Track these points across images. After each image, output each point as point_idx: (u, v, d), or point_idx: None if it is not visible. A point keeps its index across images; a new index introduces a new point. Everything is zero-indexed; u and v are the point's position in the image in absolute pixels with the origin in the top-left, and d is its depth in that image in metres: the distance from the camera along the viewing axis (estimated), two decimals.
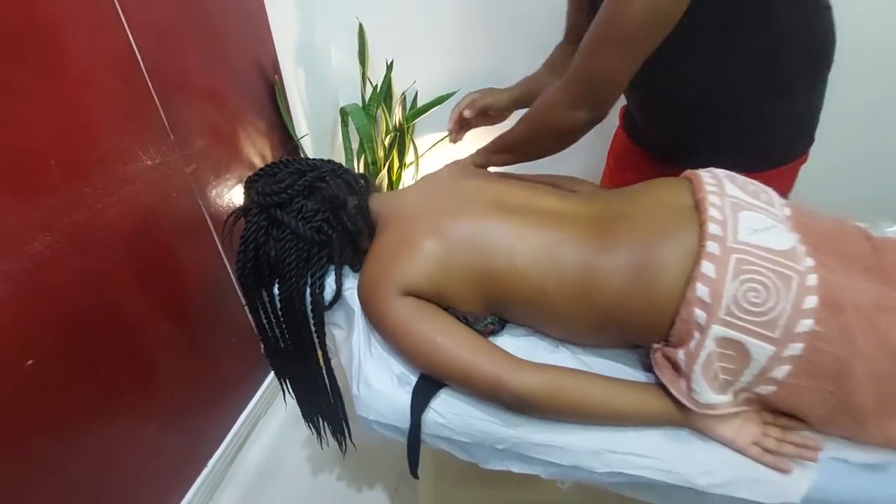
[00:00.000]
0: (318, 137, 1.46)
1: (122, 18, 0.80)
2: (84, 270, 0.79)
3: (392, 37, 1.39)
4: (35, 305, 0.72)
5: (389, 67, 1.38)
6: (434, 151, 1.51)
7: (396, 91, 1.46)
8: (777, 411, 0.59)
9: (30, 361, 0.71)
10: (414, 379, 0.65)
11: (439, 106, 1.39)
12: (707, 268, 0.56)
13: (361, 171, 1.43)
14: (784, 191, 0.97)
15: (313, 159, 0.83)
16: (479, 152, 0.88)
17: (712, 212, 0.60)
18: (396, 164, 1.47)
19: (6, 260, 0.67)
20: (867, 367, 0.53)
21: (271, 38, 1.19)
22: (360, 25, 1.36)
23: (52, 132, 0.72)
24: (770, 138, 0.92)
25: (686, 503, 0.59)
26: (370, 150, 1.39)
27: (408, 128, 1.39)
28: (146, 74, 0.86)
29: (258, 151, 1.19)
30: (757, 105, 0.87)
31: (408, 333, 0.64)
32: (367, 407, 0.66)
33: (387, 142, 1.38)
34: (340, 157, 1.50)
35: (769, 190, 0.70)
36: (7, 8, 0.63)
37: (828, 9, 0.81)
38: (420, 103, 1.45)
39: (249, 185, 0.79)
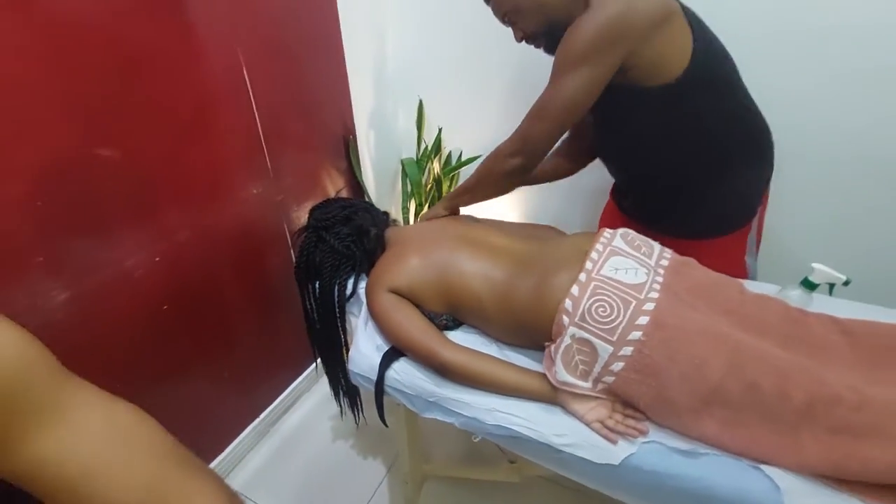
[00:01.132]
0: (381, 183, 1.88)
1: (252, 100, 1.26)
2: (205, 257, 1.23)
3: (444, 109, 1.78)
4: (174, 274, 1.15)
5: (439, 132, 1.78)
6: None
7: (445, 150, 1.84)
8: (627, 404, 0.81)
9: (165, 306, 1.15)
10: (386, 348, 0.97)
11: (469, 165, 1.74)
12: (574, 289, 0.82)
13: (413, 211, 1.80)
14: (737, 255, 1.17)
15: (354, 199, 1.22)
16: (445, 198, 1.19)
17: (592, 255, 0.87)
18: None
19: (163, 243, 1.12)
20: (679, 370, 0.75)
21: (350, 108, 1.64)
22: (420, 101, 1.78)
23: (201, 169, 1.17)
24: (713, 211, 1.14)
25: (546, 458, 0.83)
26: (418, 194, 1.77)
27: (445, 179, 1.75)
28: (261, 134, 1.31)
29: (332, 189, 1.62)
30: (699, 184, 1.11)
31: (385, 317, 0.96)
32: (355, 363, 0.99)
33: (427, 189, 1.75)
34: (398, 199, 1.90)
35: (655, 246, 0.94)
36: (183, 97, 1.10)
37: (750, 108, 1.05)
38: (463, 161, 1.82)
39: (310, 213, 1.19)
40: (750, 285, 1.00)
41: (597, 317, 0.80)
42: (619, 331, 0.79)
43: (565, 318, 0.82)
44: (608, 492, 0.83)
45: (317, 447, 1.52)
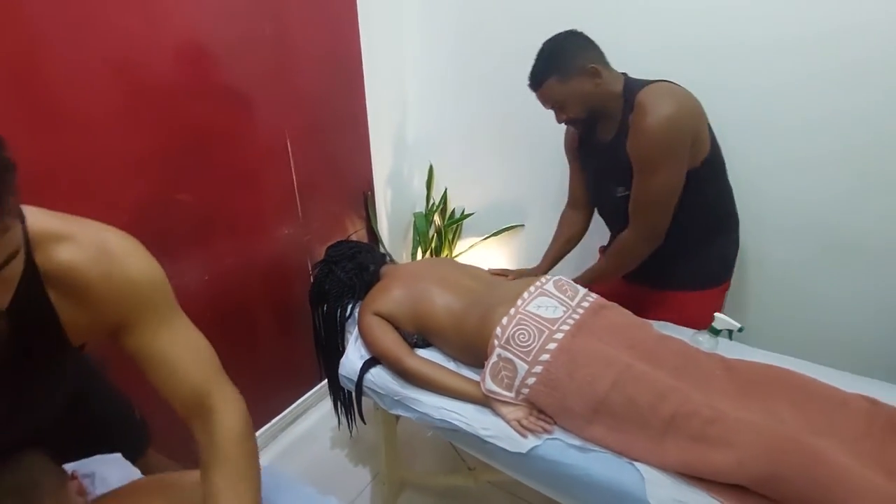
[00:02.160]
0: (395, 232, 2.21)
1: (291, 161, 1.63)
2: (242, 280, 1.55)
3: (450, 173, 2.12)
4: (217, 290, 1.48)
5: (445, 191, 2.11)
6: (470, 251, 2.14)
7: (450, 206, 2.16)
8: (539, 410, 1.04)
9: (207, 314, 1.47)
10: (367, 357, 1.24)
11: (467, 220, 2.05)
12: (504, 320, 1.08)
13: (421, 257, 2.11)
14: (716, 306, 1.34)
15: (361, 242, 1.53)
16: (582, 278, 1.37)
17: (524, 295, 1.13)
18: (445, 253, 2.14)
19: (212, 266, 1.45)
20: (576, 385, 0.98)
21: (371, 168, 2.00)
22: (431, 165, 2.13)
23: (247, 212, 1.52)
24: (703, 269, 1.36)
25: (476, 447, 1.06)
26: (424, 243, 2.08)
27: (446, 231, 2.06)
28: (295, 187, 1.67)
29: (348, 233, 1.95)
30: (697, 245, 1.33)
31: (368, 332, 1.23)
32: (343, 368, 1.26)
33: (430, 239, 2.06)
34: (409, 246, 2.22)
35: (580, 290, 1.19)
36: (239, 158, 1.47)
37: (730, 186, 1.30)
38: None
39: (326, 250, 1.51)
40: (668, 328, 1.22)
41: (518, 341, 1.05)
42: (532, 353, 1.03)
43: (495, 342, 1.07)
44: (520, 477, 1.04)
45: (314, 454, 1.75)
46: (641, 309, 1.27)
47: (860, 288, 1.40)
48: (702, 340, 1.19)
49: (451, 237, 2.11)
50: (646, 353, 1.06)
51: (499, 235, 2.08)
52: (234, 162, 1.46)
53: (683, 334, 1.21)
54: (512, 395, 1.05)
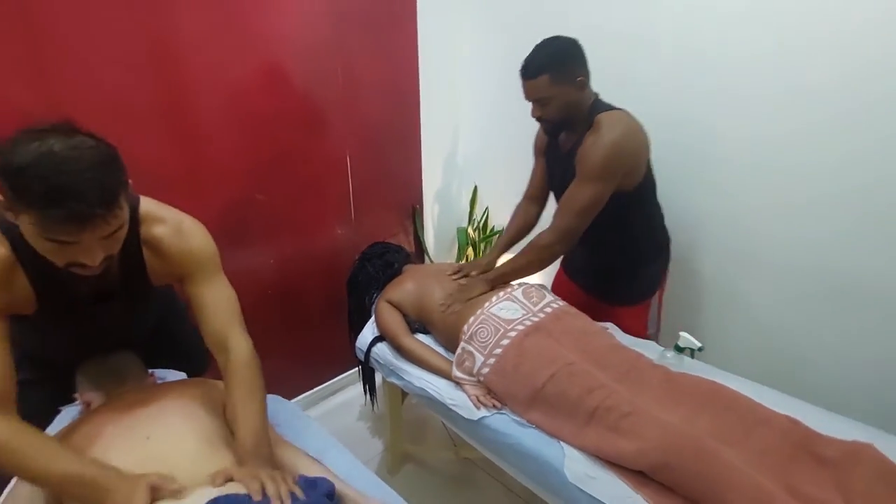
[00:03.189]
0: (441, 244, 2.48)
1: (349, 174, 1.99)
2: (300, 266, 1.92)
3: (493, 193, 2.36)
4: (279, 272, 1.86)
5: (486, 210, 2.35)
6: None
7: (490, 224, 2.39)
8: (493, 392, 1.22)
9: (269, 291, 1.85)
10: (376, 335, 1.51)
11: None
12: (471, 319, 1.29)
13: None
14: (644, 320, 1.51)
15: (391, 243, 1.82)
16: (488, 279, 1.48)
17: (493, 299, 1.33)
18: None
19: (277, 252, 1.84)
20: (520, 376, 1.16)
21: (420, 185, 2.30)
22: (476, 186, 2.38)
23: (310, 212, 1.90)
24: (639, 287, 1.51)
25: (443, 413, 1.27)
26: (465, 256, 2.33)
27: (481, 246, 2.29)
28: (351, 196, 2.02)
29: (392, 239, 2.26)
30: (627, 267, 1.49)
31: (378, 314, 1.51)
32: (359, 341, 1.55)
33: (468, 251, 2.31)
34: (454, 258, 2.48)
35: (546, 297, 1.36)
36: (307, 169, 1.85)
37: (660, 217, 1.47)
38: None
39: (365, 249, 1.82)
40: (638, 344, 1.34)
41: (479, 337, 1.26)
42: (488, 347, 1.23)
43: (462, 336, 1.29)
44: (472, 441, 1.23)
45: (343, 422, 2.05)
46: (594, 317, 1.42)
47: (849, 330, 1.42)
48: (669, 357, 1.28)
49: (483, 249, 2.33)
50: (595, 356, 1.20)
51: None
52: (302, 172, 1.84)
53: (650, 349, 1.32)
54: (473, 378, 1.25)
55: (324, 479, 0.80)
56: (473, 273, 1.53)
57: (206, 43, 1.49)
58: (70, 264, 0.76)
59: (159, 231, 0.94)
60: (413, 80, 2.13)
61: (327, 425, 1.99)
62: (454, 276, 1.55)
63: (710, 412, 1.04)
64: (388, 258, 1.73)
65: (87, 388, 1.06)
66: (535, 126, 1.48)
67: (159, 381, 1.14)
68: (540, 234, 1.43)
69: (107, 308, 0.96)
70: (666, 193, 1.49)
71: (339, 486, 0.84)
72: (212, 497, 0.70)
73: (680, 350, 1.27)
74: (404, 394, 1.69)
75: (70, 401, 1.10)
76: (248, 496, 0.70)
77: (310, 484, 0.77)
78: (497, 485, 1.69)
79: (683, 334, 1.26)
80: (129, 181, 0.80)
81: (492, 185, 2.37)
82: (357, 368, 2.27)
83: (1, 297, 0.81)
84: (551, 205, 1.60)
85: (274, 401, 1.15)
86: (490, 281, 1.47)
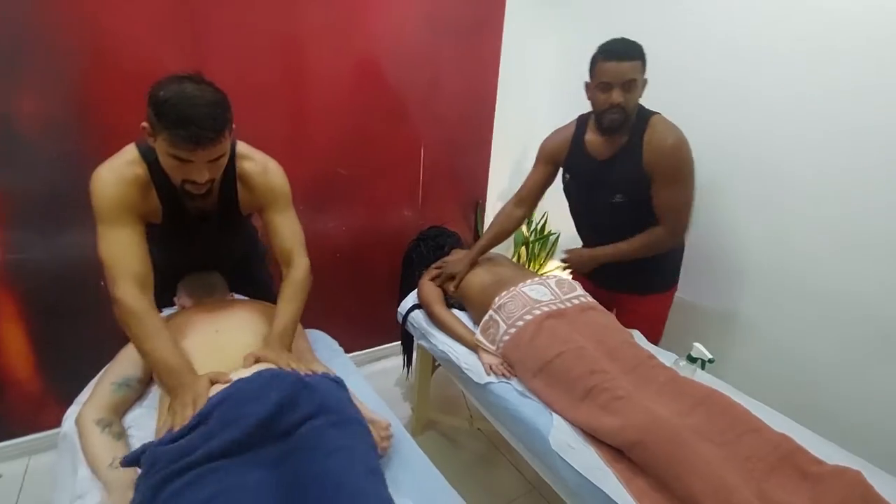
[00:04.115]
0: None
1: (422, 164, 2.21)
2: (367, 237, 2.17)
3: (552, 200, 2.45)
4: (348, 239, 2.12)
5: (545, 215, 2.45)
6: (555, 271, 2.43)
7: (548, 228, 2.49)
8: (508, 363, 1.35)
9: (337, 255, 2.12)
10: (415, 303, 1.70)
11: (558, 243, 2.34)
12: (503, 292, 1.43)
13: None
14: (664, 312, 1.63)
15: (445, 228, 2.00)
16: (597, 258, 1.61)
17: (528, 281, 1.45)
18: (534, 266, 2.48)
19: (349, 222, 2.10)
20: (532, 349, 1.28)
21: (486, 182, 2.47)
22: None
23: (384, 191, 2.15)
24: (664, 274, 1.63)
25: (457, 375, 1.42)
26: (518, 253, 2.46)
27: (532, 246, 2.40)
28: (421, 183, 2.24)
29: (458, 229, 2.44)
30: (659, 257, 1.56)
31: (420, 286, 1.70)
32: (401, 306, 1.75)
33: (521, 249, 2.43)
34: (510, 253, 2.61)
35: (577, 289, 1.46)
36: (386, 154, 2.10)
37: None
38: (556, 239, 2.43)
39: (422, 231, 2.02)
40: (655, 351, 1.40)
41: (506, 309, 1.39)
42: (512, 319, 1.36)
43: (492, 306, 1.43)
44: (478, 404, 1.36)
45: (382, 384, 2.26)
46: (619, 312, 1.55)
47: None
48: (682, 366, 1.33)
49: (536, 252, 2.44)
50: (608, 348, 1.29)
51: None
52: (381, 156, 2.09)
53: (665, 357, 1.37)
54: (493, 347, 1.39)
55: (334, 378, 1.01)
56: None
57: (319, 39, 1.79)
58: (185, 181, 1.03)
59: (249, 167, 1.20)
60: (492, 86, 2.30)
61: (355, 388, 2.24)
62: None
63: (704, 413, 1.09)
64: (440, 241, 1.91)
65: (184, 295, 1.36)
66: None
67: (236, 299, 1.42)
68: (652, 231, 1.48)
69: (207, 226, 1.24)
70: (711, 210, 1.53)
71: (356, 398, 1.04)
72: (245, 373, 0.93)
73: (692, 360, 1.31)
74: (434, 366, 1.87)
75: (171, 304, 1.41)
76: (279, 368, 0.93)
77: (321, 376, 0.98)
78: (510, 467, 1.80)
79: (697, 345, 1.30)
80: (234, 124, 1.06)
81: (553, 192, 2.46)
82: (395, 344, 2.49)
83: (140, 205, 1.10)
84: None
85: (316, 335, 1.38)
86: (597, 259, 1.60)
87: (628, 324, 1.53)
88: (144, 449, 0.84)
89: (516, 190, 2.61)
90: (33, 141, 1.46)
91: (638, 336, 1.51)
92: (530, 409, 1.22)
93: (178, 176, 1.03)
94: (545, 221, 2.49)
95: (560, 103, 2.35)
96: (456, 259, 1.73)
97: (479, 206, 2.49)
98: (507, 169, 2.52)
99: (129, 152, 1.10)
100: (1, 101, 1.39)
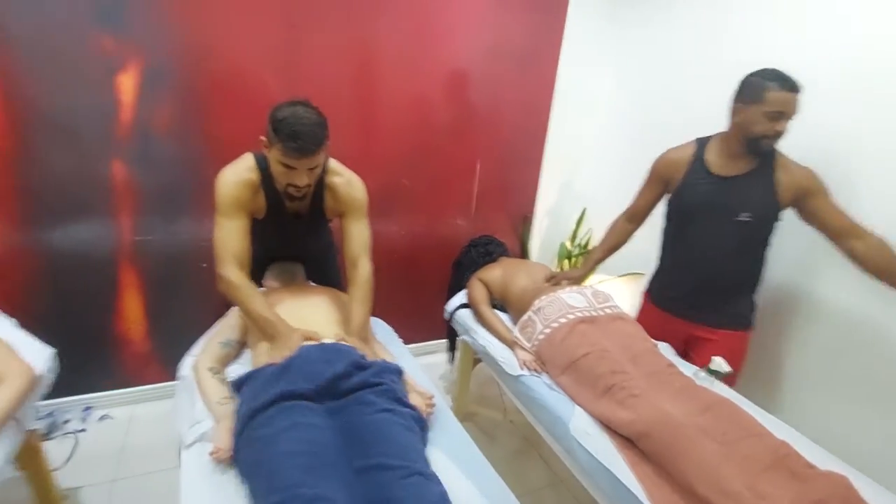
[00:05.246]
0: (545, 252, 2.79)
1: (476, 177, 2.43)
2: (424, 240, 2.42)
3: (598, 219, 2.59)
4: (406, 241, 2.37)
5: (589, 231, 2.59)
6: (599, 285, 2.56)
7: (591, 245, 2.63)
8: (541, 360, 1.52)
9: (395, 255, 2.37)
10: (463, 302, 1.91)
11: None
12: (543, 297, 1.61)
13: None
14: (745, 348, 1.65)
15: (495, 238, 2.20)
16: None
17: (566, 289, 1.62)
18: None
19: (409, 227, 2.35)
20: (562, 348, 1.45)
21: (535, 198, 2.64)
22: (584, 209, 2.64)
23: (440, 201, 2.38)
24: (747, 311, 1.65)
25: (493, 367, 1.61)
26: (561, 266, 2.61)
27: (576, 258, 2.54)
28: (475, 195, 2.46)
29: (505, 239, 2.63)
30: (744, 289, 1.63)
31: (469, 287, 1.91)
32: (449, 304, 1.97)
33: (564, 262, 2.58)
34: (555, 267, 2.77)
35: (610, 300, 1.61)
36: (445, 167, 2.33)
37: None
38: None
39: (474, 238, 2.23)
40: (678, 363, 1.52)
41: (544, 312, 1.57)
42: (548, 320, 1.53)
43: (532, 308, 1.61)
44: (510, 394, 1.54)
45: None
46: (694, 346, 1.62)
47: None
48: (701, 377, 1.45)
49: (573, 263, 2.58)
50: (632, 353, 1.43)
51: (623, 278, 2.44)
52: (440, 169, 2.33)
53: (686, 368, 1.49)
54: (529, 344, 1.57)
55: (396, 365, 1.24)
56: (564, 283, 1.77)
57: (393, 65, 2.06)
58: (289, 184, 1.30)
59: (337, 180, 1.46)
60: (545, 108, 2.49)
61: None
62: (548, 283, 1.81)
63: (712, 416, 1.21)
64: (489, 248, 2.11)
65: (271, 279, 1.64)
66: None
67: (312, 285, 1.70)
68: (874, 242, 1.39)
69: (298, 224, 1.51)
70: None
71: (406, 374, 1.27)
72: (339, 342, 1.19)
73: (711, 372, 1.42)
74: (475, 361, 2.06)
75: (260, 286, 1.70)
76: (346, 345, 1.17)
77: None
78: (538, 460, 1.96)
79: (716, 358, 1.42)
80: (329, 142, 1.32)
81: (599, 212, 2.60)
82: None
83: (250, 203, 1.38)
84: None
85: (376, 321, 1.62)
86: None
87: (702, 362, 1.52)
88: (245, 379, 1.11)
89: (564, 208, 2.78)
90: (163, 145, 1.81)
91: (664, 348, 1.63)
92: (556, 400, 1.39)
93: (283, 180, 1.30)
94: (589, 238, 2.63)
95: (610, 126, 2.51)
96: (573, 270, 1.87)
97: (526, 220, 2.67)
98: (556, 187, 2.69)
99: (248, 160, 1.38)
100: (145, 113, 1.75)
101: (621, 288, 2.46)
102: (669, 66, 2.19)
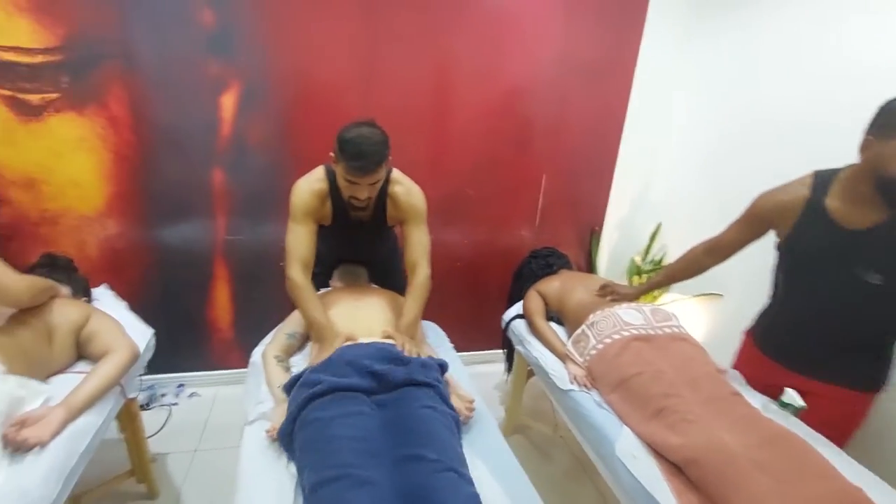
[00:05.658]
0: (613, 267, 2.70)
1: (542, 190, 2.42)
2: (487, 249, 2.45)
3: (675, 234, 2.46)
4: (470, 251, 2.42)
5: (664, 248, 2.47)
6: (671, 304, 2.42)
7: (666, 262, 2.49)
8: (592, 376, 1.49)
9: (458, 263, 2.43)
10: (519, 313, 1.92)
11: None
12: (598, 311, 1.57)
13: None
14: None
15: (556, 249, 2.18)
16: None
17: (623, 305, 1.57)
18: (649, 299, 2.51)
19: (472, 236, 2.40)
20: (614, 366, 1.41)
21: (604, 211, 2.57)
22: (660, 224, 2.52)
23: (505, 212, 2.41)
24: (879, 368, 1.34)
25: (544, 379, 1.59)
26: (630, 281, 2.51)
27: (648, 274, 2.43)
28: (539, 208, 2.45)
29: (571, 253, 2.58)
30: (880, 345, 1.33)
31: (525, 298, 1.91)
32: (506, 314, 1.98)
33: (634, 278, 2.47)
34: (625, 281, 2.66)
35: (671, 320, 1.53)
36: (510, 179, 2.36)
37: None
38: None
39: (535, 249, 2.23)
40: (747, 393, 1.41)
41: (598, 327, 1.53)
42: (601, 335, 1.49)
43: (586, 322, 1.58)
44: (558, 406, 1.52)
45: (484, 385, 2.50)
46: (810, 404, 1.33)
47: None
48: (773, 409, 1.33)
49: (640, 278, 2.46)
50: (690, 377, 1.35)
51: (697, 298, 2.29)
52: (505, 180, 2.36)
53: (755, 398, 1.37)
54: (581, 359, 1.54)
55: (440, 360, 1.28)
56: (611, 297, 1.70)
57: (465, 79, 2.15)
58: (351, 197, 1.41)
59: (398, 189, 1.55)
60: (618, 121, 2.43)
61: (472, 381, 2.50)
62: (599, 293, 1.77)
63: (773, 450, 1.10)
64: (550, 260, 2.10)
65: (336, 279, 1.77)
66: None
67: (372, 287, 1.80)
68: None
69: (362, 230, 1.63)
70: None
71: (450, 375, 1.31)
72: (376, 341, 1.26)
73: (783, 405, 1.30)
74: (530, 373, 2.04)
75: (327, 286, 1.84)
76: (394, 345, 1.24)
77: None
78: (588, 484, 1.89)
79: (789, 390, 1.29)
80: (390, 157, 1.41)
81: (675, 227, 2.47)
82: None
83: (319, 211, 1.51)
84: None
85: (430, 325, 1.68)
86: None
87: (816, 422, 1.30)
88: (295, 380, 1.21)
89: (637, 222, 2.67)
90: (255, 156, 2.03)
91: (733, 376, 1.51)
92: (604, 418, 1.35)
93: (347, 192, 1.42)
94: (664, 255, 2.50)
95: (689, 139, 2.38)
96: (627, 287, 1.75)
97: (594, 234, 2.60)
98: (627, 200, 2.60)
99: (319, 171, 1.52)
100: (241, 128, 1.98)
101: (695, 309, 2.32)
102: (757, 79, 2.04)
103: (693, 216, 2.37)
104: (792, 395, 1.28)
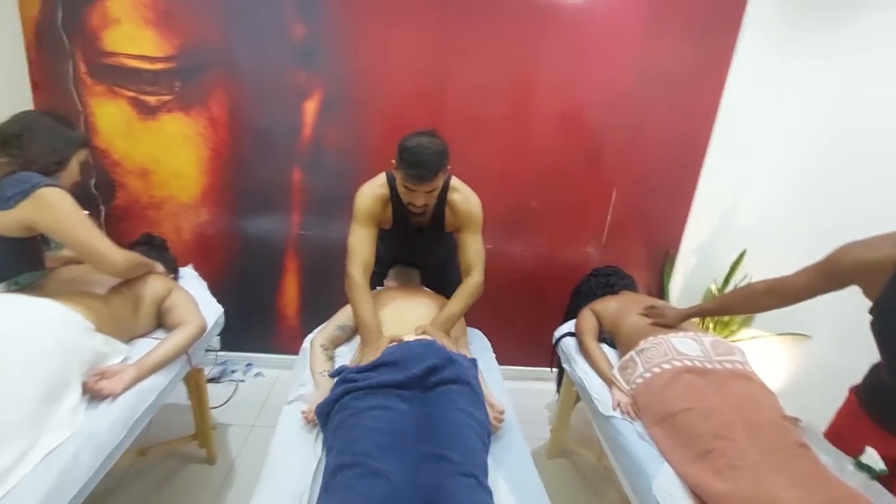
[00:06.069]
0: (688, 292, 2.50)
1: (611, 207, 2.32)
2: (548, 262, 2.40)
3: (760, 263, 2.23)
4: (531, 263, 2.39)
5: (747, 277, 2.25)
6: (749, 341, 2.20)
7: None
8: (636, 405, 1.40)
9: (517, 275, 2.40)
10: (570, 330, 1.85)
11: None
12: (650, 338, 1.47)
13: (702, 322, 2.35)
14: None
15: (619, 269, 2.07)
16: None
17: (679, 333, 1.46)
18: (724, 334, 2.30)
19: (533, 249, 2.36)
20: (661, 398, 1.31)
21: (681, 233, 2.40)
22: (744, 251, 2.30)
23: (570, 227, 2.35)
24: None
25: (588, 403, 1.52)
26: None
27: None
28: (607, 224, 2.35)
29: (640, 276, 2.44)
30: None
31: (579, 316, 1.83)
32: (558, 331, 1.92)
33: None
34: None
35: (733, 354, 1.39)
36: (577, 193, 2.29)
37: None
38: None
39: (598, 267, 2.14)
40: (825, 450, 1.24)
41: (647, 354, 1.44)
42: (650, 363, 1.40)
43: (636, 348, 1.48)
44: (599, 433, 1.44)
45: (532, 402, 2.43)
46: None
47: None
48: (848, 471, 1.16)
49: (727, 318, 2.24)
50: (749, 423, 1.21)
51: (781, 337, 2.06)
52: (572, 193, 2.30)
53: (833, 455, 1.20)
54: (627, 386, 1.45)
55: (474, 360, 1.29)
56: (657, 318, 1.61)
57: (541, 91, 2.14)
58: (409, 203, 1.46)
59: (457, 197, 1.58)
60: (703, 137, 2.26)
61: (516, 398, 2.44)
62: (644, 311, 1.68)
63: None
64: (611, 280, 2.00)
65: (391, 279, 1.84)
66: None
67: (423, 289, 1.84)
68: None
69: (420, 235, 1.68)
70: None
71: (483, 383, 1.31)
72: (413, 339, 1.28)
73: (859, 466, 1.12)
74: (578, 397, 1.96)
75: (382, 285, 1.91)
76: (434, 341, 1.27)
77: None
78: None
79: (870, 450, 1.11)
80: (449, 166, 1.45)
81: (761, 256, 2.24)
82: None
83: (379, 215, 1.58)
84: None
85: (475, 332, 1.68)
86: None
87: None
88: (340, 371, 1.27)
89: (718, 247, 2.45)
90: (330, 158, 2.18)
91: (807, 427, 1.34)
92: (644, 452, 1.25)
93: (405, 198, 1.47)
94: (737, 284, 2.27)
95: (781, 164, 2.16)
96: (674, 309, 1.66)
97: (668, 257, 2.44)
98: (709, 223, 2.40)
99: (381, 178, 1.59)
100: (320, 132, 2.14)
101: (777, 348, 2.08)
102: (864, 100, 1.81)
103: (781, 246, 2.14)
104: (872, 456, 1.11)
